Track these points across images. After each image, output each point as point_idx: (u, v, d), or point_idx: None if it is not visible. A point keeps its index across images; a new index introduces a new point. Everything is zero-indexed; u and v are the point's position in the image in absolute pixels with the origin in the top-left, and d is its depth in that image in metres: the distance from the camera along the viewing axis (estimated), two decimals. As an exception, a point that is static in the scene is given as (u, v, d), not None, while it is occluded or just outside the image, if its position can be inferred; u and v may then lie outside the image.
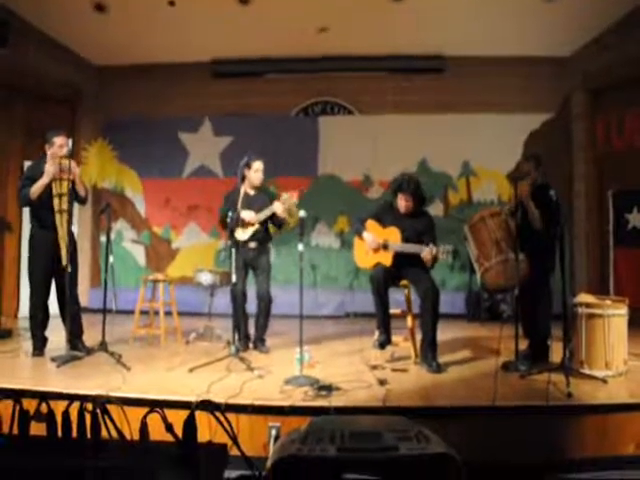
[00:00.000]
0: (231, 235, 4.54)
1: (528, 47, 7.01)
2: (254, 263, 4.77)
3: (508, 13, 6.13)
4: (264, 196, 4.79)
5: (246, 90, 7.67)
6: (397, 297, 4.62)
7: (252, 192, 4.81)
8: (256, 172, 4.74)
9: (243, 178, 4.77)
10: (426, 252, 4.00)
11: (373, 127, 7.52)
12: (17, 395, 1.91)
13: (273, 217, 4.70)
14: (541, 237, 3.99)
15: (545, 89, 7.29)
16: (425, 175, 7.23)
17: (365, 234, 4.35)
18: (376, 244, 4.28)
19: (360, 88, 7.64)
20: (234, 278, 4.30)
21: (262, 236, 4.78)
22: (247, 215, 4.65)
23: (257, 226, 4.68)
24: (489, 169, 7.36)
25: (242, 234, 4.66)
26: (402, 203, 4.29)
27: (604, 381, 3.56)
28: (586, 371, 3.75)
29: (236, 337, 4.37)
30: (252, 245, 4.73)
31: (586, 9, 5.96)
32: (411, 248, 4.13)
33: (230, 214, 4.44)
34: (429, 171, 7.44)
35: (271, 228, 4.88)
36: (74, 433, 1.71)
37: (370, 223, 4.41)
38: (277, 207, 4.60)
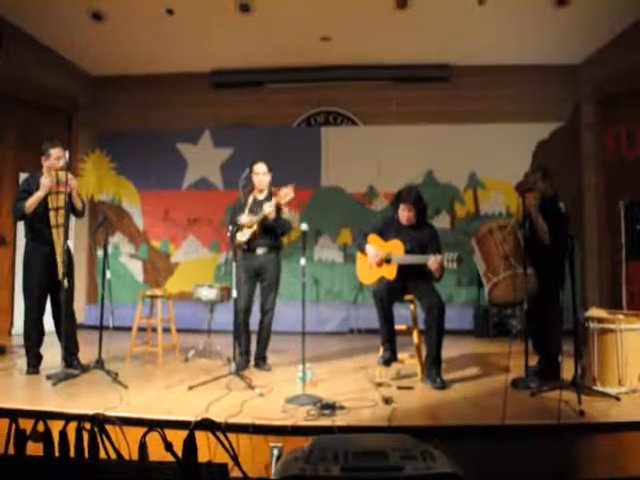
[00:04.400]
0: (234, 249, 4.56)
1: (536, 55, 7.07)
2: (261, 272, 4.73)
3: (515, 21, 6.19)
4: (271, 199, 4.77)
5: (247, 100, 7.75)
6: (403, 312, 4.63)
7: (261, 197, 4.81)
8: (257, 175, 4.75)
9: (252, 185, 4.79)
10: (432, 261, 4.01)
11: (377, 138, 7.58)
12: (13, 414, 1.92)
13: (276, 222, 4.65)
14: (550, 250, 4.01)
15: (554, 98, 7.34)
16: (431, 187, 7.27)
17: (368, 247, 4.37)
18: (379, 258, 4.29)
19: (364, 98, 7.70)
20: (234, 293, 4.31)
21: (270, 242, 4.73)
22: (243, 219, 4.66)
23: (255, 227, 4.63)
24: (497, 180, 7.38)
25: (241, 236, 4.66)
26: (404, 214, 4.33)
27: (617, 398, 3.55)
28: (599, 388, 3.74)
29: (237, 354, 4.39)
30: (260, 252, 4.71)
31: (595, 16, 6.02)
32: (415, 259, 4.15)
33: (230, 227, 4.48)
34: (435, 183, 7.48)
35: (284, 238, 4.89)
36: (72, 453, 1.72)
37: (372, 237, 4.44)
38: (266, 208, 4.54)
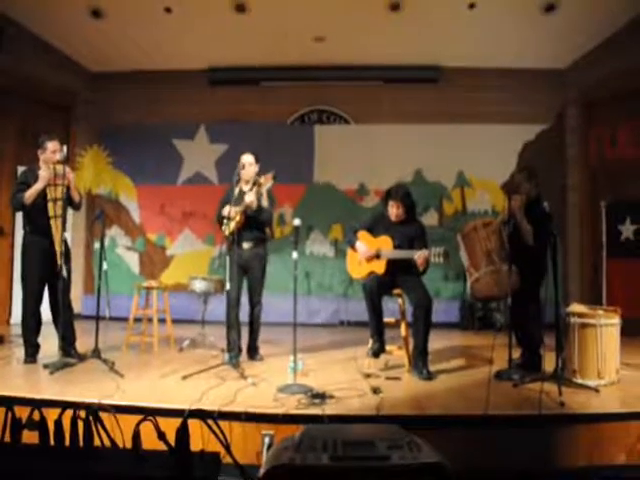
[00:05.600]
0: (227, 242, 4.51)
1: (524, 59, 7.08)
2: (248, 266, 4.68)
3: (505, 25, 6.20)
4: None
5: (242, 98, 7.70)
6: (391, 306, 4.63)
7: (246, 188, 4.70)
8: (244, 166, 4.65)
9: (239, 176, 4.66)
10: (418, 255, 4.02)
11: (369, 136, 7.56)
12: (9, 402, 1.90)
13: (258, 211, 4.56)
14: (532, 249, 4.02)
15: (540, 101, 7.35)
16: (420, 185, 7.27)
17: (358, 244, 4.37)
18: (369, 253, 4.30)
19: (356, 97, 7.68)
20: (228, 286, 4.29)
21: (256, 235, 4.68)
22: (226, 211, 4.55)
23: (238, 219, 4.53)
24: (483, 179, 7.40)
25: (226, 229, 4.52)
26: (392, 210, 4.33)
27: (596, 390, 3.58)
28: (578, 380, 3.76)
29: (230, 345, 4.38)
30: (246, 246, 4.65)
31: (582, 22, 6.04)
32: (403, 254, 4.16)
33: (225, 221, 4.43)
34: (424, 181, 7.48)
35: (269, 231, 4.85)
36: (67, 441, 1.71)
37: (362, 234, 4.44)
38: (247, 198, 4.47)
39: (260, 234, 4.73)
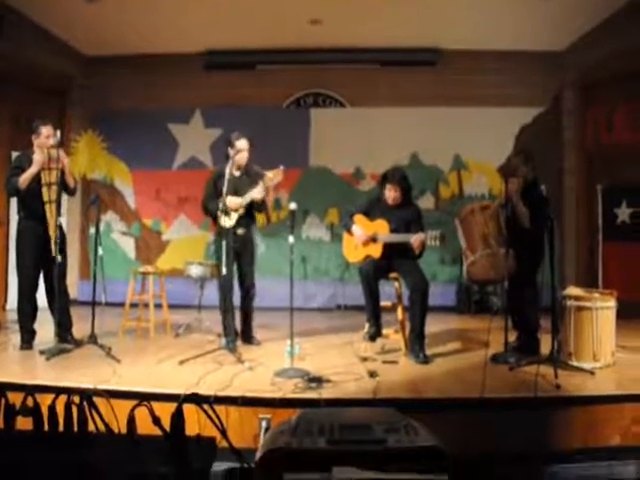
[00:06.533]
0: (217, 223, 4.46)
1: (521, 42, 7.00)
2: (241, 251, 4.64)
3: (503, 7, 6.11)
4: (250, 177, 4.60)
5: (238, 81, 7.60)
6: (387, 290, 4.62)
7: (238, 173, 4.62)
8: (240, 152, 4.51)
9: (228, 158, 4.50)
10: (414, 238, 4.02)
11: (365, 119, 7.48)
12: (4, 389, 1.88)
13: (254, 202, 4.54)
14: (529, 233, 4.00)
15: (537, 84, 7.29)
16: (417, 169, 7.22)
17: (354, 228, 4.35)
18: (365, 237, 4.28)
19: (353, 80, 7.59)
20: (224, 270, 4.26)
21: (248, 221, 4.66)
22: (230, 201, 4.41)
23: (241, 211, 4.50)
24: (480, 162, 7.36)
25: (227, 221, 4.43)
26: (389, 194, 4.31)
27: (592, 373, 3.59)
28: (574, 363, 3.78)
29: (226, 329, 4.37)
30: (240, 231, 4.59)
31: (580, 3, 5.96)
32: (399, 238, 4.15)
33: (220, 206, 4.36)
34: (421, 164, 7.43)
35: (259, 218, 4.83)
36: (61, 427, 1.69)
37: (358, 217, 4.42)
38: (256, 193, 4.43)
39: (250, 220, 4.71)
